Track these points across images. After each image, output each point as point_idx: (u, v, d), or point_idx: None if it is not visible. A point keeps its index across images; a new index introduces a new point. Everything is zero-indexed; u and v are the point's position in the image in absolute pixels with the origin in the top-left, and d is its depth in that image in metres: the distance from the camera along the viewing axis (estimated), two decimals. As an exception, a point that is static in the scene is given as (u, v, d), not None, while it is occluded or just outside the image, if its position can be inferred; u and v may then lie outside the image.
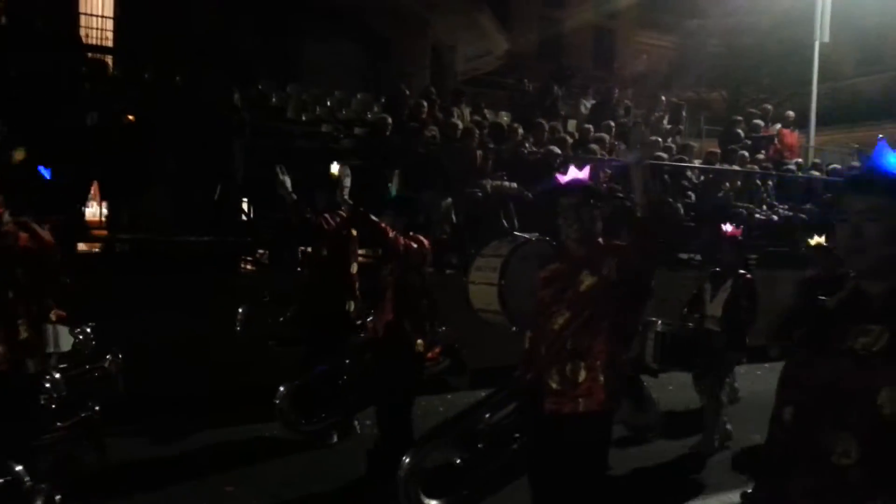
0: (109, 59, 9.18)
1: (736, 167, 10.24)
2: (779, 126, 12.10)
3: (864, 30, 17.93)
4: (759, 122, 11.97)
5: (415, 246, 4.34)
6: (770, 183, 10.48)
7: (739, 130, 11.49)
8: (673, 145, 10.69)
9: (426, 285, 4.50)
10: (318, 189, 5.47)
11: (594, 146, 9.35)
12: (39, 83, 6.14)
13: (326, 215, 5.28)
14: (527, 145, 9.05)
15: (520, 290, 3.59)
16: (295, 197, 4.98)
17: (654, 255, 3.13)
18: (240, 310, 5.55)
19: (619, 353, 3.05)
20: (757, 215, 9.72)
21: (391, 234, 4.27)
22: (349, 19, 13.34)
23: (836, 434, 1.54)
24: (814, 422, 1.59)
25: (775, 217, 9.92)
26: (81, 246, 7.15)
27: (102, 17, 12.74)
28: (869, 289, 1.64)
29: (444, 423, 4.24)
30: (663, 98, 12.71)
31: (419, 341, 4.34)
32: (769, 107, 13.11)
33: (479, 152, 8.57)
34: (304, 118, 9.11)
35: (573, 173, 3.14)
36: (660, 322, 5.09)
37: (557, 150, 8.97)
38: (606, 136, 9.78)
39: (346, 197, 5.15)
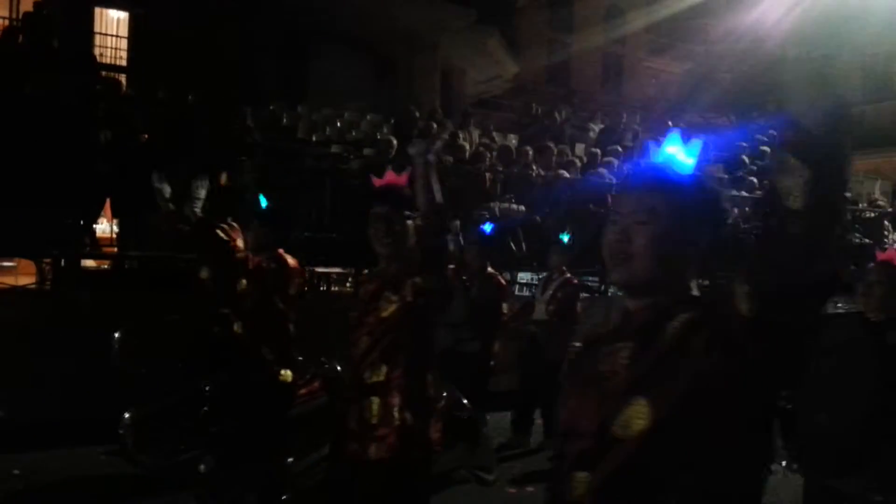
0: (123, 79, 9.30)
1: (744, 193, 10.26)
2: (787, 152, 12.12)
3: (871, 57, 18.01)
4: (766, 148, 12.01)
5: (273, 266, 3.76)
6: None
7: (745, 157, 11.52)
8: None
9: (304, 310, 3.93)
10: (189, 200, 5.00)
11: (603, 170, 9.39)
12: (54, 102, 6.22)
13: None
14: (535, 168, 9.10)
15: None
16: (172, 207, 4.56)
17: (440, 270, 2.57)
18: (115, 335, 4.87)
19: (426, 391, 2.59)
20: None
21: (240, 253, 3.78)
22: (359, 42, 13.50)
23: (571, 476, 1.32)
24: (563, 464, 1.38)
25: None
26: (91, 263, 7.20)
27: (117, 36, 12.92)
28: (631, 305, 1.40)
29: (241, 467, 3.78)
30: (670, 123, 12.75)
31: (284, 371, 3.79)
32: (775, 133, 13.15)
33: (487, 175, 8.62)
34: (314, 138, 9.19)
35: (389, 178, 2.71)
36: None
37: (566, 174, 9.01)
38: (615, 161, 9.82)
39: (198, 210, 4.62)
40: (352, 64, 13.56)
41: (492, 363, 5.30)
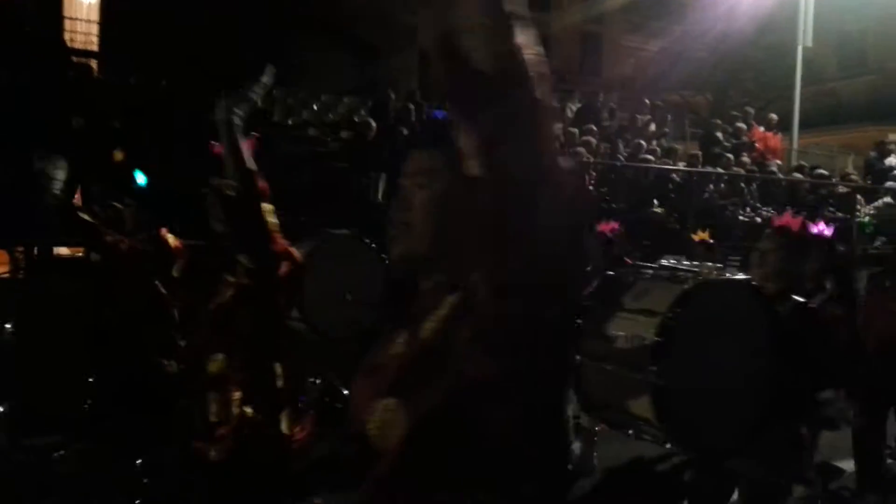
0: (94, 64, 9.17)
1: (720, 169, 10.35)
2: (762, 129, 12.24)
3: (845, 34, 18.16)
4: (742, 125, 12.11)
5: (151, 248, 3.52)
6: (754, 185, 10.61)
7: (719, 133, 11.63)
8: (658, 148, 10.79)
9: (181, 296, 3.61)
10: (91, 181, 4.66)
11: (581, 149, 9.42)
12: (25, 88, 6.13)
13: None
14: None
15: (318, 296, 3.07)
16: (60, 195, 4.03)
17: (263, 246, 2.24)
18: (6, 325, 4.57)
19: (274, 383, 2.27)
20: (741, 217, 9.83)
21: (109, 237, 3.53)
22: (338, 25, 13.41)
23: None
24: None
25: (758, 219, 10.02)
26: (64, 251, 7.13)
27: (88, 21, 12.71)
28: (422, 284, 1.20)
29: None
30: (647, 101, 12.81)
31: (168, 363, 3.48)
32: (751, 110, 13.25)
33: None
34: (290, 122, 9.13)
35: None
36: None
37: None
38: (593, 140, 9.86)
39: (59, 192, 4.18)
40: (330, 47, 13.45)
41: None
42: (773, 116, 12.74)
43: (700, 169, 10.32)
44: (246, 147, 2.18)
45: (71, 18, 12.40)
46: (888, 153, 12.12)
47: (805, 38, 13.12)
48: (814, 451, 2.77)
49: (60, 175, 4.06)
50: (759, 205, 10.35)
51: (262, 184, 2.24)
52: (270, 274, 2.25)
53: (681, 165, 10.60)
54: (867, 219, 10.06)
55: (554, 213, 0.93)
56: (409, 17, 14.14)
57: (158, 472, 3.41)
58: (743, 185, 10.42)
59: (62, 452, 4.25)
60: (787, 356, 2.46)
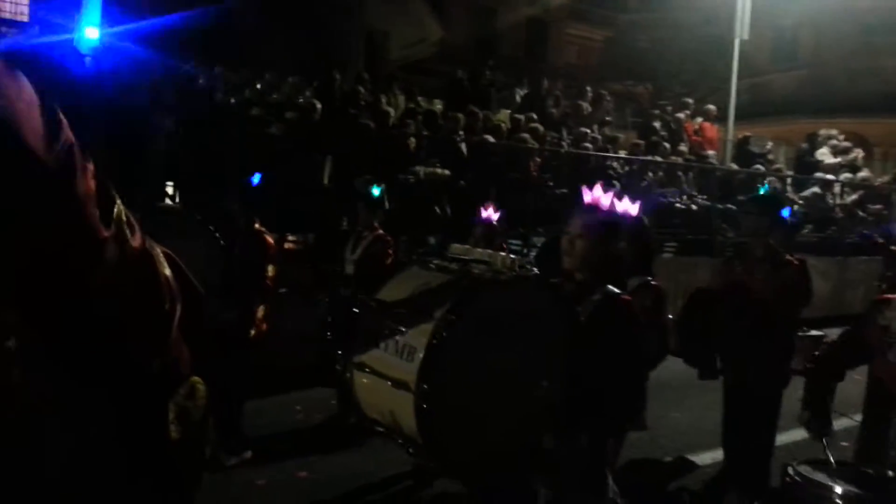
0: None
1: (658, 158, 10.63)
2: (700, 120, 12.59)
3: (780, 28, 18.77)
4: (681, 115, 12.44)
5: None
6: (690, 174, 10.94)
7: (655, 123, 11.94)
8: (599, 136, 11.00)
9: None
10: None
11: (527, 136, 9.54)
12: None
13: None
14: (461, 133, 9.15)
15: None
16: None
17: None
18: None
19: None
20: (677, 205, 10.13)
21: None
22: (281, 3, 13.14)
23: None
24: None
25: (694, 207, 10.35)
26: None
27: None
28: None
29: None
30: (589, 89, 13.00)
31: None
32: (690, 101, 13.61)
33: (411, 139, 8.63)
34: (232, 101, 8.94)
35: None
36: None
37: (491, 139, 9.12)
38: (540, 127, 9.98)
39: None
40: (274, 24, 13.17)
41: (252, 333, 4.53)
42: (712, 107, 13.11)
43: (641, 157, 10.57)
44: None
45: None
46: (818, 146, 12.65)
47: (742, 31, 13.50)
48: (615, 461, 2.40)
49: None
50: (694, 193, 10.68)
51: None
52: None
53: (622, 154, 10.84)
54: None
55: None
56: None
57: None
58: (680, 173, 10.73)
59: None
60: (584, 359, 2.19)
